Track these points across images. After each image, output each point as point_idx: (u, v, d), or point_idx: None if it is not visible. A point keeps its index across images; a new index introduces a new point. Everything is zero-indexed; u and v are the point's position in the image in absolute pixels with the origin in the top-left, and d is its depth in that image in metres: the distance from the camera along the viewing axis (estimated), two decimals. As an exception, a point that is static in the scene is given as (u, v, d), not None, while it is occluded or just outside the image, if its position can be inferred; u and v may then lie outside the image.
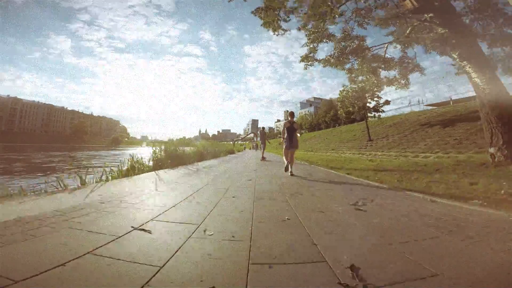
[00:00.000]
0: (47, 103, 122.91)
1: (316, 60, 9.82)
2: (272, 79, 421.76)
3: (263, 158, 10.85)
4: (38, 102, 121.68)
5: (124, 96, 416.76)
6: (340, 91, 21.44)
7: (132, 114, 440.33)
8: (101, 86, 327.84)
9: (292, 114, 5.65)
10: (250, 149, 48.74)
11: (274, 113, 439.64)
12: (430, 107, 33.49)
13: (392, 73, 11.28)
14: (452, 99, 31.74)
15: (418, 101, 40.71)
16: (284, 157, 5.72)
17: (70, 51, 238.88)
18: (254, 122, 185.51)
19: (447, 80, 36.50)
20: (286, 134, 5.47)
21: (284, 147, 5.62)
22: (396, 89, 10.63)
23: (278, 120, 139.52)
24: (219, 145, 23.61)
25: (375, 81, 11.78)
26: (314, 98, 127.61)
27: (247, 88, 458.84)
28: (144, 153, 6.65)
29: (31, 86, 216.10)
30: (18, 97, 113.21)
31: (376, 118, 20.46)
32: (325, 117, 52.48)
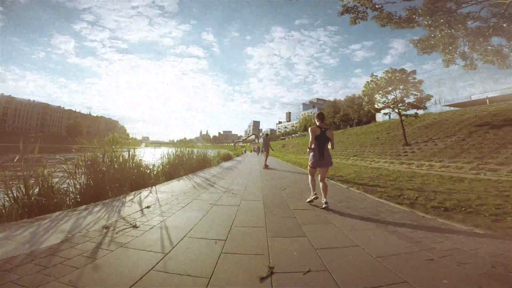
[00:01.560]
0: (43, 102, 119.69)
1: (376, 8, 5.47)
2: (273, 80, 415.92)
3: (266, 166, 10.34)
4: (34, 101, 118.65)
5: (126, 96, 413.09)
6: (366, 82, 16.96)
7: (134, 114, 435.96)
8: (103, 86, 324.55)
9: (321, 116, 3.65)
10: (251, 151, 44.37)
11: (276, 114, 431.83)
12: (451, 108, 29.45)
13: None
14: (488, 97, 27.45)
15: (435, 101, 37.54)
16: (309, 180, 3.69)
17: (74, 51, 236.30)
18: (256, 124, 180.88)
19: (466, 79, 32.75)
20: (314, 145, 3.50)
21: (309, 163, 3.59)
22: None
23: (280, 122, 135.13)
24: (212, 148, 19.19)
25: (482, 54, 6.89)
26: (317, 99, 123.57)
27: (249, 89, 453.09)
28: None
29: (34, 86, 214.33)
30: (19, 96, 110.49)
31: (414, 117, 15.89)
32: (334, 118, 47.89)
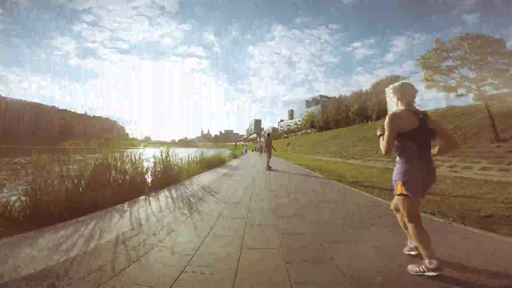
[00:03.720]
0: (34, 101, 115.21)
1: None
2: (275, 79, 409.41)
3: (269, 168, 9.38)
4: (25, 101, 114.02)
5: (128, 96, 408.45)
6: (427, 52, 11.85)
7: (135, 114, 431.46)
8: (104, 87, 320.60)
9: (409, 91, 1.69)
10: (252, 151, 39.78)
11: (277, 113, 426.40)
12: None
13: None
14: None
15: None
16: (415, 232, 1.62)
17: (74, 52, 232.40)
18: (257, 123, 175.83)
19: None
20: (408, 150, 1.61)
21: (403, 188, 1.62)
22: None
23: (282, 120, 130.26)
24: (212, 147, 14.26)
25: None
26: (321, 96, 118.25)
27: (250, 89, 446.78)
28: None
29: (36, 87, 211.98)
30: (21, 98, 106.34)
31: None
32: (347, 111, 42.81)
